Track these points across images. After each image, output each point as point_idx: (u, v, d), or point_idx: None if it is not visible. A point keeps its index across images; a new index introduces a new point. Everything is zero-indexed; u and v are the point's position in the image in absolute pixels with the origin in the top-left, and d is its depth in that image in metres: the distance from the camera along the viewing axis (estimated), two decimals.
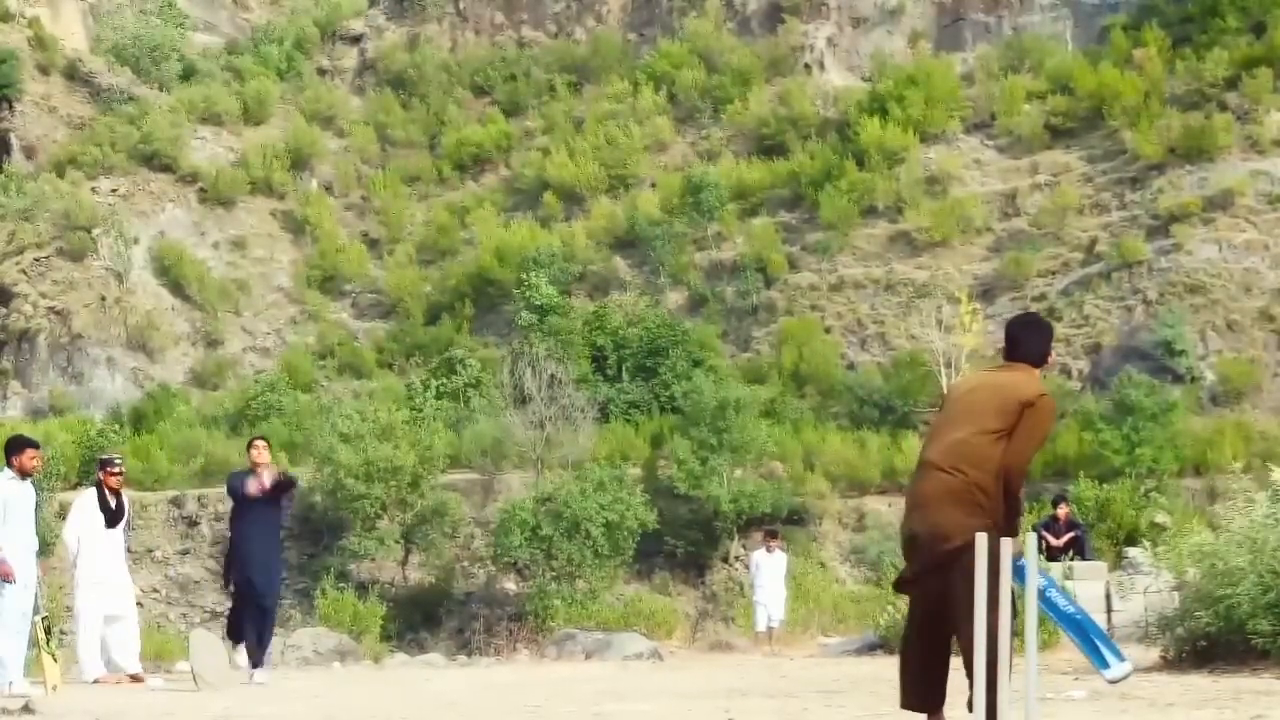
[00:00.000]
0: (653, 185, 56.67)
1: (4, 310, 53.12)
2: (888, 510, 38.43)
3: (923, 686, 7.48)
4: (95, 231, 54.20)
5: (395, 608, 34.43)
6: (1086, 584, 18.16)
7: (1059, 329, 42.11)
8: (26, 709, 9.91)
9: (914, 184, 51.52)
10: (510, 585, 38.75)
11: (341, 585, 33.56)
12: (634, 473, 40.09)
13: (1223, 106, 49.35)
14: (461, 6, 67.74)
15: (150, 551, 39.98)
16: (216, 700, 11.18)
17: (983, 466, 7.25)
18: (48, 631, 12.82)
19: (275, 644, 17.46)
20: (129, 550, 15.44)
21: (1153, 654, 14.46)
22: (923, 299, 47.12)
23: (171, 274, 55.41)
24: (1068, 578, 17.31)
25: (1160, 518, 31.31)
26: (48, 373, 52.02)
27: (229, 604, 14.98)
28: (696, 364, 45.99)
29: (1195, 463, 38.42)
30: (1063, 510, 20.99)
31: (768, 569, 24.44)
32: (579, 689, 12.87)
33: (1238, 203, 46.44)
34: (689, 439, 39.89)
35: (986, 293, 47.81)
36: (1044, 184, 50.87)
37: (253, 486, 13.78)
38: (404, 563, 39.84)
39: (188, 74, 66.68)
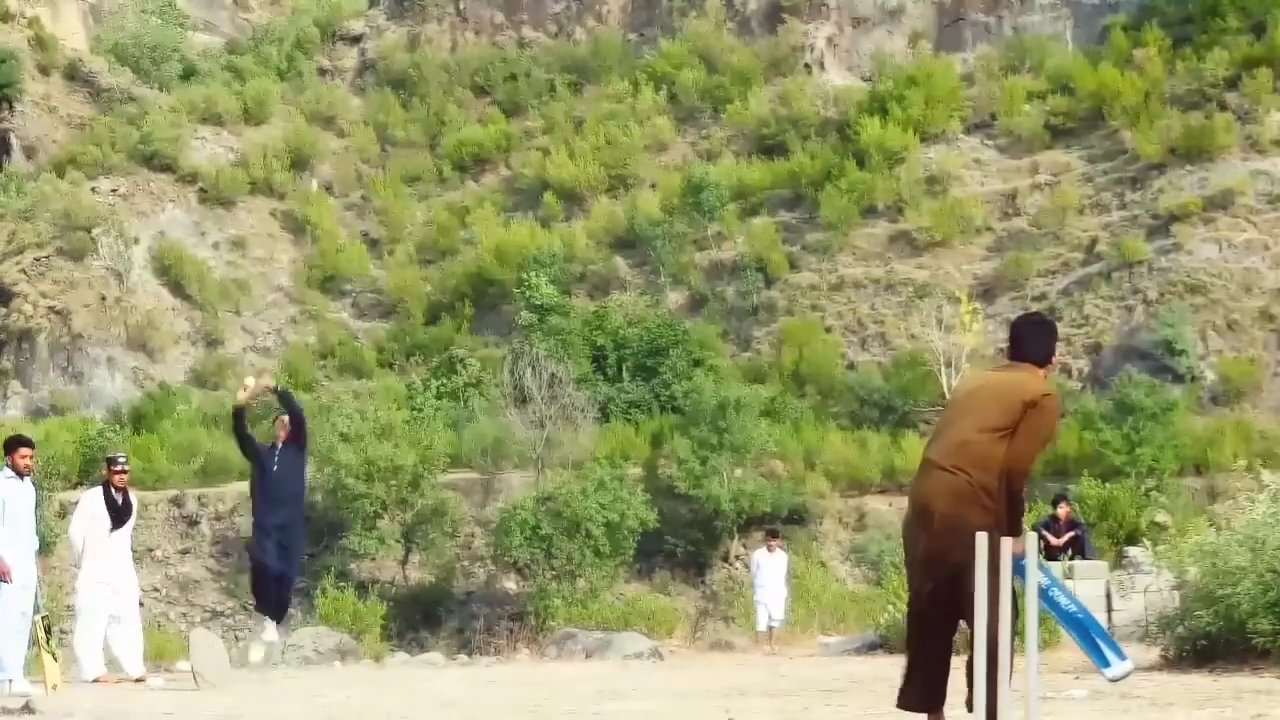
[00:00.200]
0: (653, 185, 56.68)
1: (4, 310, 53.12)
2: (888, 510, 38.44)
3: (922, 686, 7.48)
4: (95, 231, 54.20)
5: (395, 607, 34.41)
6: (1087, 583, 18.16)
7: (1059, 329, 42.03)
8: (27, 709, 9.90)
9: (914, 184, 51.54)
10: (510, 585, 38.77)
11: (342, 585, 33.49)
12: (634, 472, 40.10)
13: (1223, 106, 49.36)
14: (461, 6, 67.74)
15: (150, 551, 39.95)
16: (216, 700, 11.18)
17: (985, 466, 7.24)
18: (47, 631, 12.80)
19: (275, 644, 17.43)
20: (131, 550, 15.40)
21: (1153, 653, 14.45)
22: (923, 299, 47.13)
23: (171, 274, 55.43)
24: (1068, 577, 17.31)
25: (1161, 517, 31.34)
26: (48, 373, 52.03)
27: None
28: (697, 364, 46.00)
29: (1195, 462, 38.45)
30: (1063, 509, 20.98)
31: (769, 568, 24.44)
32: (579, 689, 12.86)
33: (1238, 202, 46.45)
34: (689, 439, 39.90)
35: (986, 292, 47.83)
36: (1044, 184, 50.88)
37: (241, 394, 14.52)
38: (404, 562, 39.85)
39: (188, 74, 66.71)
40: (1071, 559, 19.46)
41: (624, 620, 29.26)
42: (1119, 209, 48.91)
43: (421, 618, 36.97)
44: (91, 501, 14.17)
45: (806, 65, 59.01)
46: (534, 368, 41.91)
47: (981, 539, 6.66)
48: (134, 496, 14.45)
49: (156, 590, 38.76)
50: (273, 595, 14.64)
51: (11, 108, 60.47)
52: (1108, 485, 34.35)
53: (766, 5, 60.98)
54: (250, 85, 64.79)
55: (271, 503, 14.35)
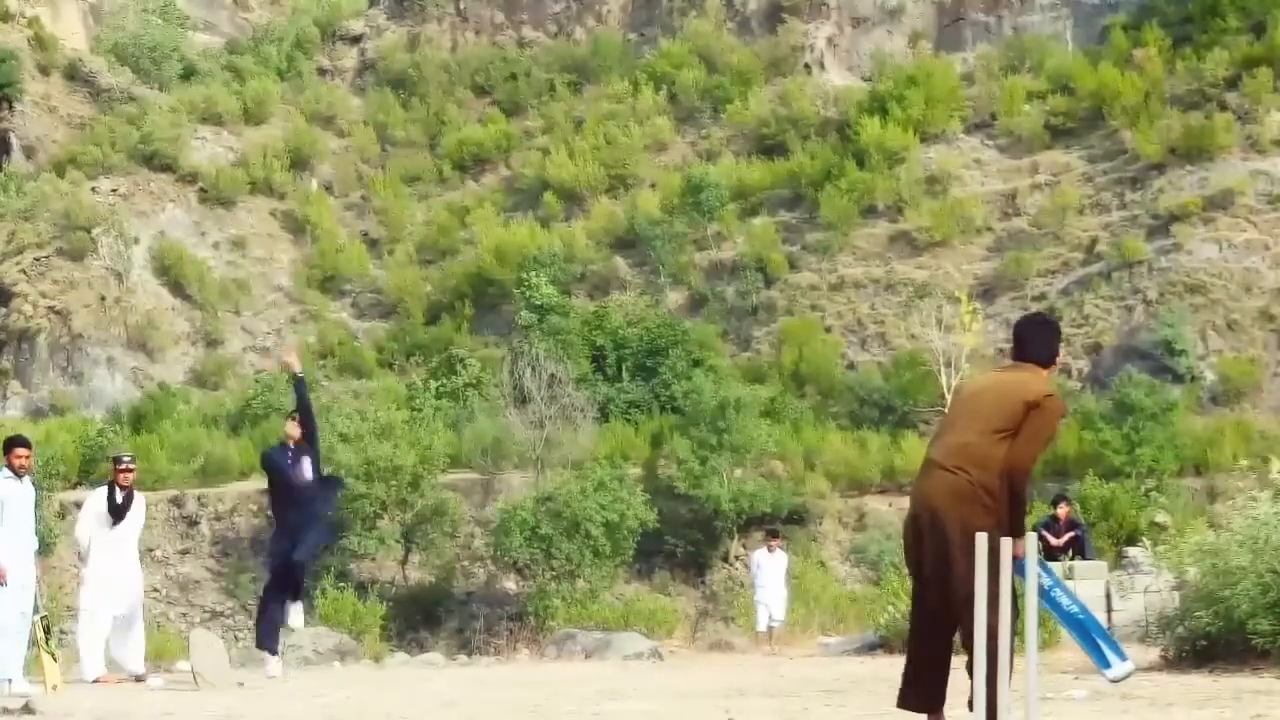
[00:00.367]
0: (652, 185, 56.69)
1: (4, 310, 53.13)
2: (888, 510, 38.44)
3: (923, 686, 7.47)
4: (95, 231, 54.21)
5: (395, 607, 34.39)
6: (1087, 583, 18.16)
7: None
8: (27, 709, 9.89)
9: (914, 184, 51.54)
10: (510, 585, 38.75)
11: (342, 585, 33.45)
12: (634, 472, 40.09)
13: (1223, 106, 49.36)
14: (461, 6, 67.75)
15: (150, 551, 39.93)
16: (216, 700, 11.17)
17: (986, 466, 7.24)
18: (47, 631, 12.79)
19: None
20: None
21: (1153, 653, 14.45)
22: (923, 299, 47.12)
23: (171, 274, 55.44)
24: (1068, 577, 17.30)
25: (1160, 517, 31.32)
26: (48, 373, 52.03)
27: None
28: (696, 364, 46.00)
29: (1195, 462, 38.44)
30: (1063, 510, 20.95)
31: (769, 569, 24.41)
32: (579, 689, 12.86)
33: (1238, 202, 46.44)
34: (689, 439, 39.89)
35: (986, 292, 47.84)
36: (1044, 184, 50.88)
37: (297, 478, 14.01)
38: (404, 562, 39.84)
39: (188, 74, 66.73)
40: (1071, 559, 19.44)
41: (624, 620, 29.21)
42: (1119, 209, 48.91)
43: (421, 618, 36.97)
44: (96, 501, 14.19)
45: (806, 65, 59.02)
46: (534, 368, 41.92)
47: (981, 539, 6.65)
48: (141, 497, 14.42)
49: (156, 590, 38.75)
50: (290, 583, 14.52)
51: (11, 108, 60.49)
52: (1109, 485, 34.35)
53: (766, 5, 60.99)
54: (250, 85, 64.82)
55: (291, 504, 14.24)
